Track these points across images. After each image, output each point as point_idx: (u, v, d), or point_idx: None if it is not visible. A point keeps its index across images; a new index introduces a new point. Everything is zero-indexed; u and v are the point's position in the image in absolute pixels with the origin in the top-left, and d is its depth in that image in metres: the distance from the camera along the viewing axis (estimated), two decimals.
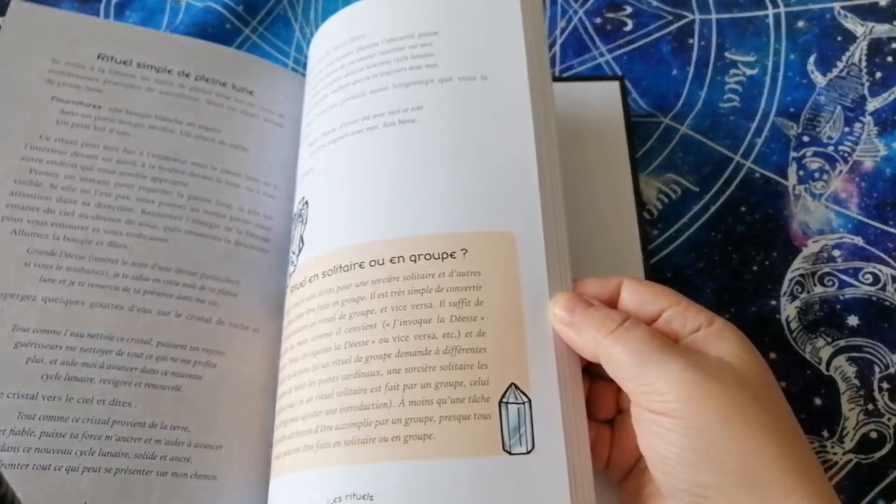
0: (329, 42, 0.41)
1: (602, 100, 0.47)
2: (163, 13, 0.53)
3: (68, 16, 0.43)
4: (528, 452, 0.31)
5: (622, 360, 0.30)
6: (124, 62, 0.42)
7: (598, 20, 0.53)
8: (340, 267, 0.35)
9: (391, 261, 0.34)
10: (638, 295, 0.33)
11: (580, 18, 0.53)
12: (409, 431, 0.31)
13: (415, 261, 0.34)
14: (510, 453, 0.31)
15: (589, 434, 0.32)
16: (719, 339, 0.31)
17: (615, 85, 0.47)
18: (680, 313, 0.32)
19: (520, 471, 0.30)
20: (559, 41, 0.52)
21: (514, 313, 0.33)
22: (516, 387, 0.32)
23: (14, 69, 0.40)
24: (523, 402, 0.31)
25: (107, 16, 0.53)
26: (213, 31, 0.52)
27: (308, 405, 0.34)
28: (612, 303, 0.33)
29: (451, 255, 0.34)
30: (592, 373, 0.34)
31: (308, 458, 0.33)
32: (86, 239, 0.37)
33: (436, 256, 0.34)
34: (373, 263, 0.34)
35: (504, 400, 0.31)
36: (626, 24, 0.53)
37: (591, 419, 0.34)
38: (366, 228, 0.35)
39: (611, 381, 0.34)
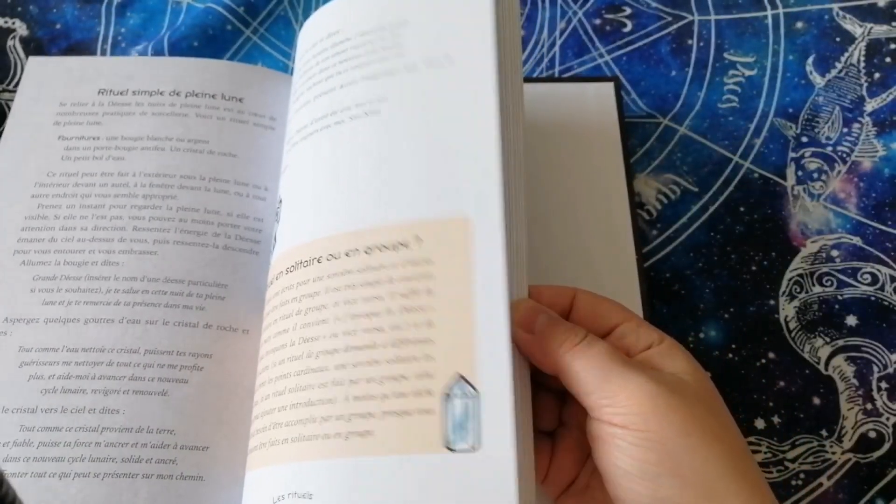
0: (308, 40, 0.41)
1: (597, 101, 0.47)
2: (164, 14, 0.53)
3: (73, 60, 0.46)
4: (474, 450, 0.29)
5: (583, 374, 0.30)
6: (121, 93, 0.44)
7: (598, 21, 0.53)
8: (300, 262, 0.35)
9: (346, 254, 0.33)
10: (591, 308, 0.33)
11: (579, 19, 0.53)
12: (350, 428, 0.30)
13: (369, 253, 0.33)
14: (453, 450, 0.29)
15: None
16: (671, 357, 0.31)
17: (610, 86, 0.47)
18: (633, 330, 0.32)
19: (463, 469, 0.29)
20: (558, 42, 0.52)
21: (466, 303, 0.31)
22: (464, 379, 0.30)
23: (29, 117, 0.44)
24: (471, 397, 0.30)
25: (108, 17, 0.53)
26: (214, 32, 0.52)
27: (265, 403, 0.33)
28: (564, 313, 0.33)
29: (404, 245, 0.33)
30: (537, 382, 0.34)
31: (261, 455, 0.33)
32: (83, 261, 0.39)
33: (389, 247, 0.33)
34: (329, 258, 0.34)
35: (448, 393, 0.30)
36: (625, 24, 0.53)
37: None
38: (326, 222, 0.35)
39: (554, 393, 0.34)
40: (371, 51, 0.37)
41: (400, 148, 0.35)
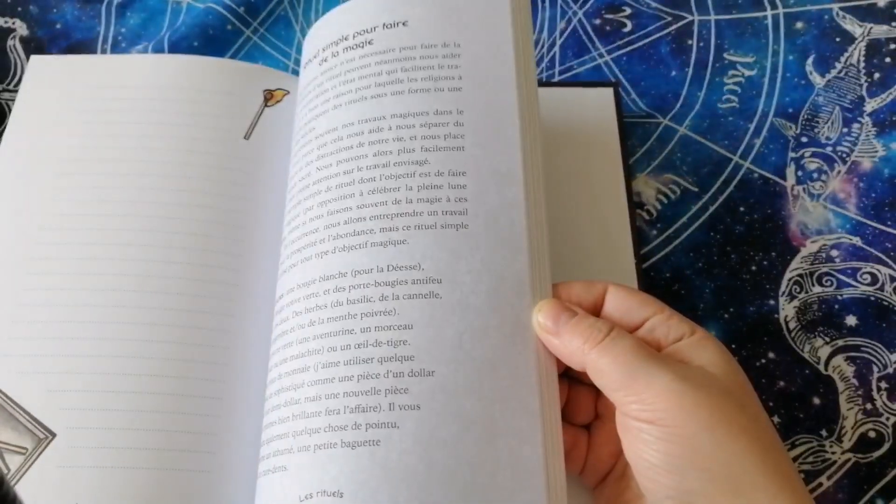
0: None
1: (597, 105, 0.47)
2: (164, 14, 0.53)
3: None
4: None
5: (609, 371, 0.30)
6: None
7: (598, 21, 0.53)
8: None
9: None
10: (623, 302, 0.33)
11: (579, 20, 0.53)
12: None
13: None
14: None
15: (566, 438, 0.32)
16: (701, 348, 0.31)
17: (609, 91, 0.47)
18: (664, 322, 0.32)
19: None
20: (558, 42, 0.52)
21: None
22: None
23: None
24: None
25: (108, 17, 0.53)
26: (214, 32, 0.52)
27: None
28: (596, 308, 0.33)
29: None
30: (571, 377, 0.34)
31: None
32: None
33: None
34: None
35: None
36: (625, 25, 0.53)
37: (568, 423, 0.34)
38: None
39: (589, 387, 0.34)
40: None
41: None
